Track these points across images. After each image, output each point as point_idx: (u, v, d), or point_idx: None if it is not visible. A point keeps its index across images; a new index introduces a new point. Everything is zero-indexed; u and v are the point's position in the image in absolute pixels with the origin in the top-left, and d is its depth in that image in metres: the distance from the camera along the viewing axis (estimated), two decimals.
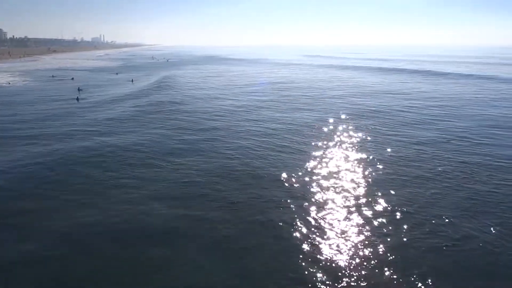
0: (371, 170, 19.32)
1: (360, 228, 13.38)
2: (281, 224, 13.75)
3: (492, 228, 13.18)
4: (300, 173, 18.85)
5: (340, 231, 13.15)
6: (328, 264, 11.30)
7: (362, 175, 18.59)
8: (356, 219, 14.08)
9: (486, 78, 66.42)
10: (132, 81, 65.46)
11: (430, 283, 10.39)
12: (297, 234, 13.02)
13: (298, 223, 13.70)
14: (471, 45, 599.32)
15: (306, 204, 15.35)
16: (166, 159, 21.33)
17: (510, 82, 59.89)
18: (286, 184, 17.57)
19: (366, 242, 12.43)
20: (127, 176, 18.63)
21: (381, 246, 12.20)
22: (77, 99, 43.40)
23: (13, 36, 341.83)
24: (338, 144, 24.68)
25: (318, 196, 16.11)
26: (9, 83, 60.54)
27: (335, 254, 11.79)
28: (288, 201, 15.67)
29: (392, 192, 16.43)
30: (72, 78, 68.01)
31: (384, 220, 13.93)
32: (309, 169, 19.54)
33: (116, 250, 12.33)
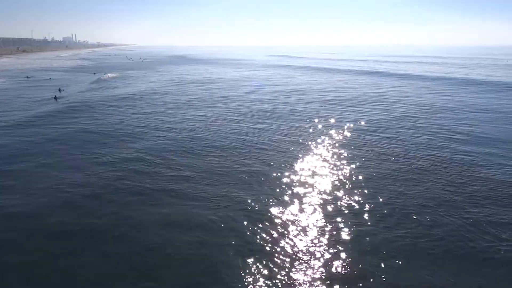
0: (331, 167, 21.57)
1: (347, 226, 13.95)
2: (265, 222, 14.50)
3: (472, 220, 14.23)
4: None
5: (324, 228, 13.68)
6: (308, 263, 11.74)
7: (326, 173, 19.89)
8: (337, 216, 14.66)
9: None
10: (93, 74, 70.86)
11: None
12: (277, 230, 13.65)
13: (280, 221, 14.29)
14: (455, 45, 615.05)
15: (285, 200, 16.11)
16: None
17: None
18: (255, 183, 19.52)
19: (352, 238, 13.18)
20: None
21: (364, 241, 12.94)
22: (55, 98, 44.12)
23: None
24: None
25: (297, 193, 16.69)
26: None
27: (314, 253, 12.25)
28: (267, 199, 16.18)
29: (359, 189, 17.43)
30: (50, 79, 68.37)
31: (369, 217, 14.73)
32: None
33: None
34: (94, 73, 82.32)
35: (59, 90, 50.84)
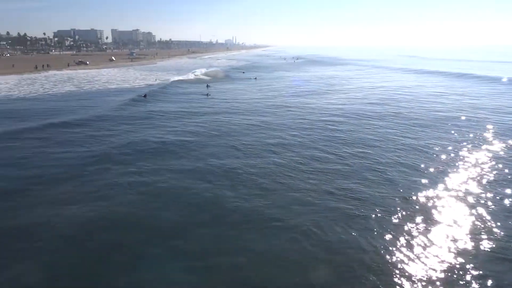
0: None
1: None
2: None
3: None
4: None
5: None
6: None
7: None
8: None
9: None
10: (255, 78, 73.19)
11: None
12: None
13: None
14: None
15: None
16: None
17: None
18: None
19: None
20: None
21: None
22: (207, 95, 49.24)
23: (160, 38, 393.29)
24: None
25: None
26: (156, 80, 70.35)
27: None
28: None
29: None
30: (207, 86, 75.06)
31: None
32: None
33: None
34: (243, 72, 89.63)
35: (207, 86, 58.08)
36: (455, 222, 13.99)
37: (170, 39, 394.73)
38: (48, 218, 14.46)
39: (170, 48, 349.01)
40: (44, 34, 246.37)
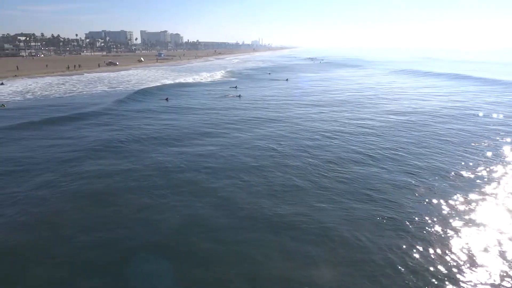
0: None
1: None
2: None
3: None
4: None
5: None
6: None
7: None
8: None
9: None
10: (287, 80, 73.96)
11: None
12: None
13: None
14: None
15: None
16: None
17: None
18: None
19: None
20: None
21: None
22: (239, 96, 49.40)
23: (188, 40, 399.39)
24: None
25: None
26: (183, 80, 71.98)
27: None
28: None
29: None
30: (236, 87, 74.48)
31: None
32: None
33: None
34: (269, 73, 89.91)
35: (235, 87, 58.83)
36: (487, 231, 13.63)
37: (198, 40, 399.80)
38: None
39: (197, 49, 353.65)
40: (76, 35, 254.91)
